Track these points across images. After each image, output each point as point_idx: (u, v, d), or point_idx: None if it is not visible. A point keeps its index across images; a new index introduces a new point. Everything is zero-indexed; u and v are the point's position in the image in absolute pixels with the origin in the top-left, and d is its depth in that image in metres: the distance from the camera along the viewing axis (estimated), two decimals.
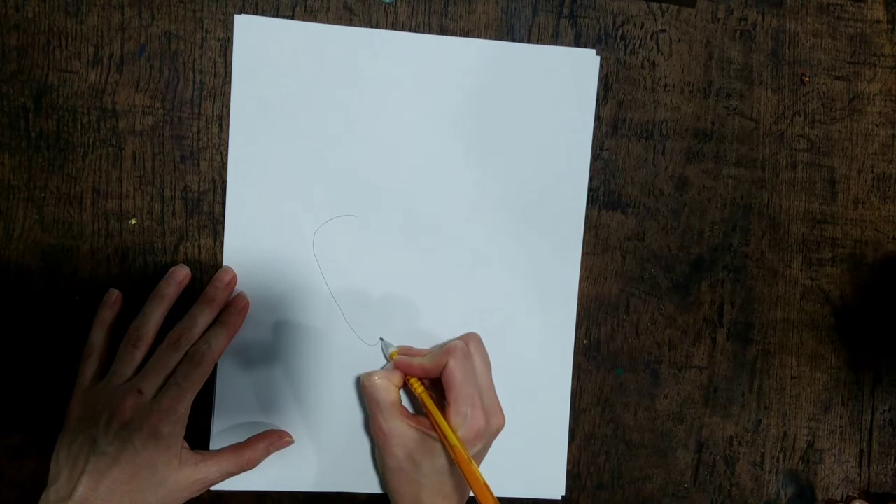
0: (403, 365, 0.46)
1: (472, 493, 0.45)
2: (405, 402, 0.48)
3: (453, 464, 0.44)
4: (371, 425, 0.47)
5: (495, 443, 0.47)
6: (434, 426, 0.44)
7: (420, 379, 0.46)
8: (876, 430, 0.54)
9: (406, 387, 0.47)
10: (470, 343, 0.46)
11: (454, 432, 0.43)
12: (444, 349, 0.45)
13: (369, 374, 0.46)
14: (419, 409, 0.48)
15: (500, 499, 0.46)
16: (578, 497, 0.51)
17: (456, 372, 0.44)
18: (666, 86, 0.51)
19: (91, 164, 0.47)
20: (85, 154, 0.47)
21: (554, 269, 0.50)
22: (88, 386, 0.44)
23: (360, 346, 0.49)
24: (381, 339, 0.48)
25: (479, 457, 0.46)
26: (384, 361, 0.48)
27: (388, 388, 0.45)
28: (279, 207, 0.48)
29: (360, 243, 0.48)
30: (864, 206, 0.53)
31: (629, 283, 0.51)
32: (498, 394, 0.47)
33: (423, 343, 0.49)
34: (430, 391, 0.46)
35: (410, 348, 0.48)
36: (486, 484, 0.42)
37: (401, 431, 0.44)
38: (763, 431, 0.53)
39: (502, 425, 0.47)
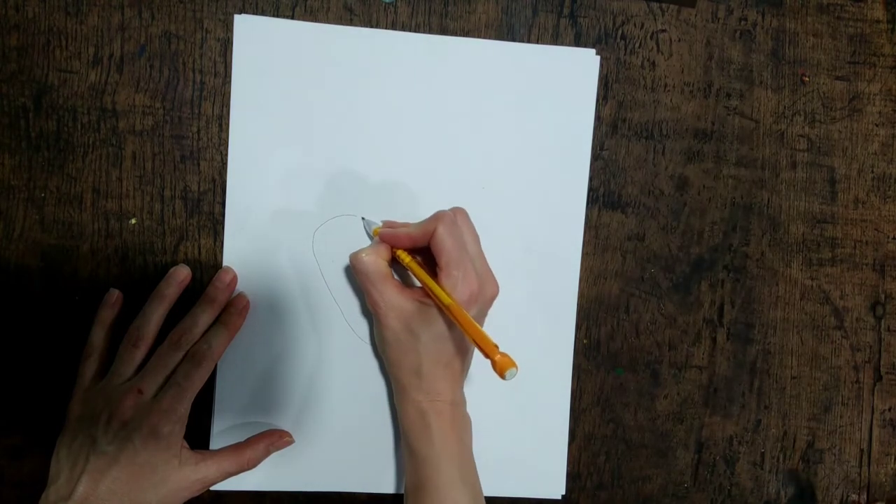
0: (389, 236, 0.45)
1: (473, 352, 0.45)
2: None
3: (452, 328, 0.44)
4: (367, 301, 0.46)
5: (495, 442, 0.47)
6: (427, 293, 0.44)
7: (407, 249, 0.46)
8: (876, 430, 0.54)
9: (395, 262, 0.46)
10: (457, 213, 0.45)
11: (448, 294, 0.42)
12: (432, 217, 0.44)
13: (357, 252, 0.45)
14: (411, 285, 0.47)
15: (499, 499, 0.46)
16: (578, 497, 0.51)
17: (445, 237, 0.43)
18: (666, 86, 0.51)
19: (91, 164, 0.47)
20: (85, 154, 0.47)
21: (554, 269, 0.50)
22: (88, 386, 0.44)
23: (360, 346, 0.49)
24: (363, 217, 0.48)
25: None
26: (381, 361, 0.48)
27: (376, 262, 0.44)
28: (279, 207, 0.48)
29: (360, 243, 0.48)
30: (864, 206, 0.53)
31: (629, 283, 0.51)
32: (497, 394, 0.47)
33: None
34: (419, 261, 0.46)
35: (394, 222, 0.47)
36: (484, 333, 0.41)
37: (396, 303, 0.44)
38: (763, 431, 0.53)
39: (496, 293, 0.46)
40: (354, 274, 0.46)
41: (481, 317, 0.46)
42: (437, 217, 0.44)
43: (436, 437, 0.44)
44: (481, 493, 0.45)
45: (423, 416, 0.44)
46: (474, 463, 0.46)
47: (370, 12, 0.49)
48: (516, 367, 0.39)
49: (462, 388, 0.46)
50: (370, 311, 0.46)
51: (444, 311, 0.43)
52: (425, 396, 0.44)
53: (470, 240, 0.45)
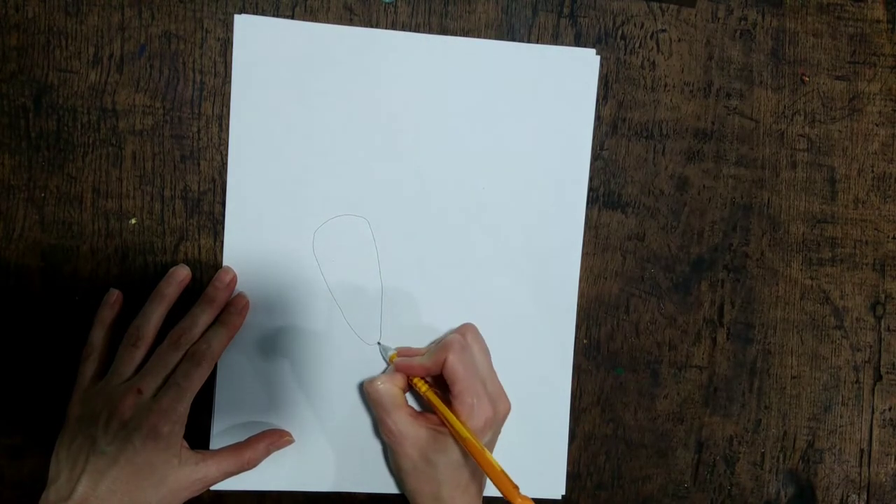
0: (404, 367, 0.46)
1: (489, 483, 0.45)
2: (411, 402, 0.48)
3: (467, 456, 0.44)
4: (381, 429, 0.46)
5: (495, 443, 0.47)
6: (443, 421, 0.45)
7: (423, 377, 0.46)
8: (876, 430, 0.54)
9: (410, 386, 0.47)
10: (467, 334, 0.47)
11: (463, 424, 0.43)
12: (442, 345, 0.45)
13: (372, 380, 0.46)
14: (426, 408, 0.48)
15: (499, 499, 0.46)
16: (578, 497, 0.51)
17: (456, 365, 0.44)
18: (666, 85, 0.51)
19: (91, 164, 0.47)
20: (85, 154, 0.47)
21: (554, 269, 0.50)
22: (88, 386, 0.44)
23: (359, 346, 0.49)
24: (379, 343, 0.48)
25: (490, 445, 0.46)
26: (382, 360, 0.49)
27: (392, 392, 0.46)
28: (279, 207, 0.48)
29: (360, 242, 0.48)
30: (864, 206, 0.53)
31: (629, 283, 0.51)
32: None
33: (423, 340, 0.49)
34: (435, 388, 0.47)
35: (409, 349, 0.48)
36: (502, 471, 0.42)
37: (410, 431, 0.45)
38: (763, 431, 0.53)
39: (509, 410, 0.47)
40: (370, 402, 0.47)
41: (495, 437, 0.47)
42: (447, 345, 0.45)
43: None
44: None
45: None
46: None
47: (370, 12, 0.49)
48: None
49: None
50: (385, 439, 0.47)
51: (460, 442, 0.44)
52: None
53: (481, 360, 0.46)
